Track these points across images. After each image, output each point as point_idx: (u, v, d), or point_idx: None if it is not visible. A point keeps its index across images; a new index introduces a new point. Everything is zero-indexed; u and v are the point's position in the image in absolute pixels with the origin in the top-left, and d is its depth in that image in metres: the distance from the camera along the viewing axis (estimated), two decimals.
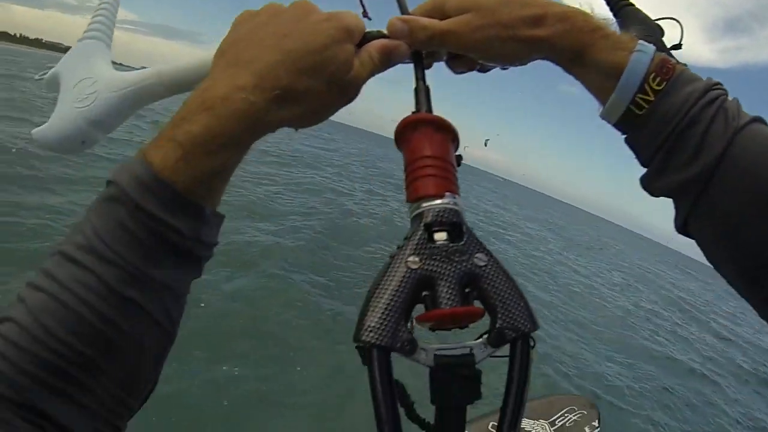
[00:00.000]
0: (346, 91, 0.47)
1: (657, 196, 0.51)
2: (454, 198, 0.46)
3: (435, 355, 0.41)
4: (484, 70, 0.57)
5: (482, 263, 0.43)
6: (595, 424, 2.07)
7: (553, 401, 1.80)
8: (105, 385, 0.37)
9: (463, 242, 0.44)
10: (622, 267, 19.33)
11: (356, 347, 0.42)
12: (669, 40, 0.63)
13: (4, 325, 0.35)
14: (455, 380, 0.41)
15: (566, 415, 2.20)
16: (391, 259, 0.43)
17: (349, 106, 0.49)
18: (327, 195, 10.66)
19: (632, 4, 0.65)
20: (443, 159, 0.48)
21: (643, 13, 0.64)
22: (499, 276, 0.43)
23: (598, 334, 7.42)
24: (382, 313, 0.41)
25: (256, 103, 0.40)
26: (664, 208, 0.52)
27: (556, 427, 2.16)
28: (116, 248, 0.37)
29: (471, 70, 0.57)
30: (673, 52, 0.62)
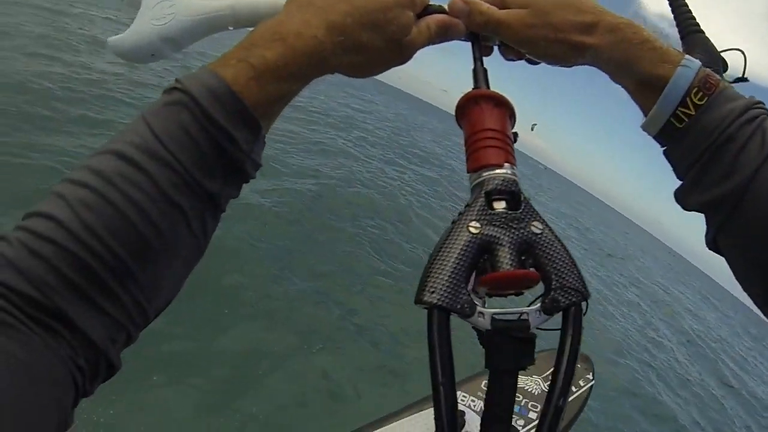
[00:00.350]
0: (401, 52, 0.51)
1: (689, 210, 0.52)
2: (513, 168, 0.49)
3: (492, 318, 0.43)
4: (532, 62, 0.58)
5: (538, 231, 0.45)
6: (590, 377, 1.97)
7: (545, 356, 1.69)
8: (132, 293, 0.36)
9: (520, 210, 0.46)
10: (640, 283, 18.35)
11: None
12: (734, 71, 0.62)
13: (34, 220, 0.34)
14: (511, 343, 0.43)
15: None
16: (453, 225, 0.46)
17: (399, 67, 0.53)
18: (340, 159, 10.25)
19: (702, 32, 0.64)
20: (502, 132, 0.50)
21: (711, 44, 0.63)
22: (553, 244, 0.45)
23: None
24: (444, 275, 0.42)
25: (324, 43, 0.44)
26: (702, 226, 0.52)
27: (549, 382, 2.01)
28: (174, 151, 0.37)
29: (520, 59, 0.59)
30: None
